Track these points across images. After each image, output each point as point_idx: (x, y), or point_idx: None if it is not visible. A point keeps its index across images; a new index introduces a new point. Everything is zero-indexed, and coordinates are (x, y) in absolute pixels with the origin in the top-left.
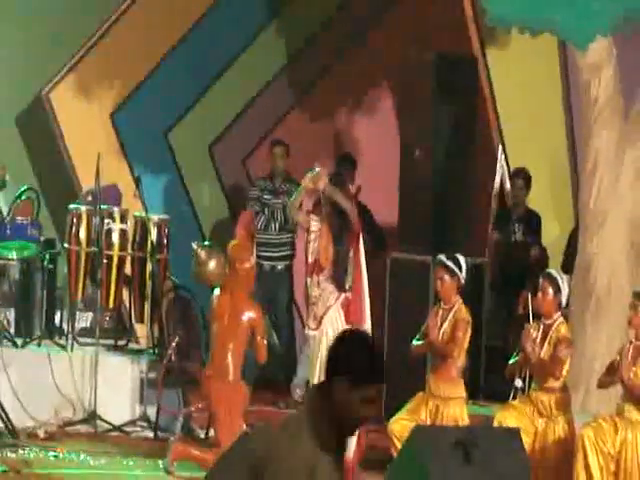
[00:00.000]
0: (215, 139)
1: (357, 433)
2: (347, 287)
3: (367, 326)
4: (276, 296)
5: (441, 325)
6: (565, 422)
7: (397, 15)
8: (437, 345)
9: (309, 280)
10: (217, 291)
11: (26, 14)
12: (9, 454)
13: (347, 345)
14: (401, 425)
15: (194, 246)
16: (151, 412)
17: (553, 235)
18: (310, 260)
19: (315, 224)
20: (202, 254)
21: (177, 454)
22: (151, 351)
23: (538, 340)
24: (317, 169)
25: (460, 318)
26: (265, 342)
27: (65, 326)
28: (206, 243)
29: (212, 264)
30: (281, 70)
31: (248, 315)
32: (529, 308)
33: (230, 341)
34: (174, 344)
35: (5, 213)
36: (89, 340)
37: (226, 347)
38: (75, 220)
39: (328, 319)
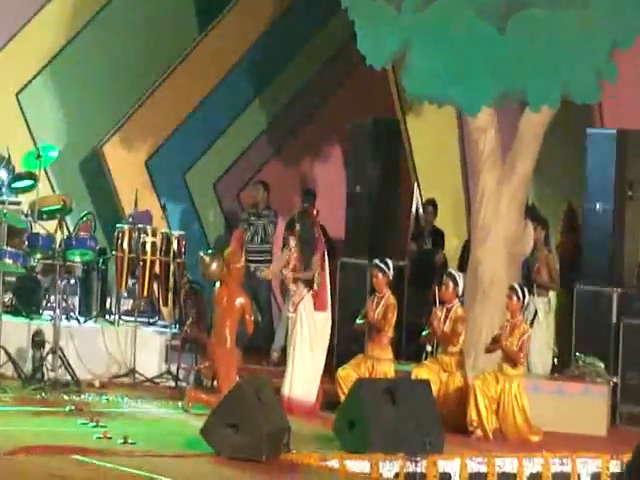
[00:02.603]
0: (218, 178)
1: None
2: (315, 284)
3: (328, 310)
4: (259, 288)
5: (376, 308)
6: (461, 376)
7: (345, 91)
8: (373, 322)
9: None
10: (218, 284)
11: (82, 86)
12: (74, 398)
13: None
14: (346, 373)
15: (200, 254)
16: (173, 369)
17: (452, 245)
18: (290, 266)
19: (292, 242)
20: (206, 259)
21: (191, 398)
22: (173, 326)
23: (442, 319)
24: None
25: (389, 303)
26: (252, 320)
27: (113, 308)
28: (209, 251)
29: (214, 265)
30: (264, 131)
31: (239, 301)
32: (436, 297)
33: (227, 319)
34: (189, 322)
35: (72, 230)
36: (130, 318)
37: (224, 323)
38: (120, 235)
39: (302, 305)
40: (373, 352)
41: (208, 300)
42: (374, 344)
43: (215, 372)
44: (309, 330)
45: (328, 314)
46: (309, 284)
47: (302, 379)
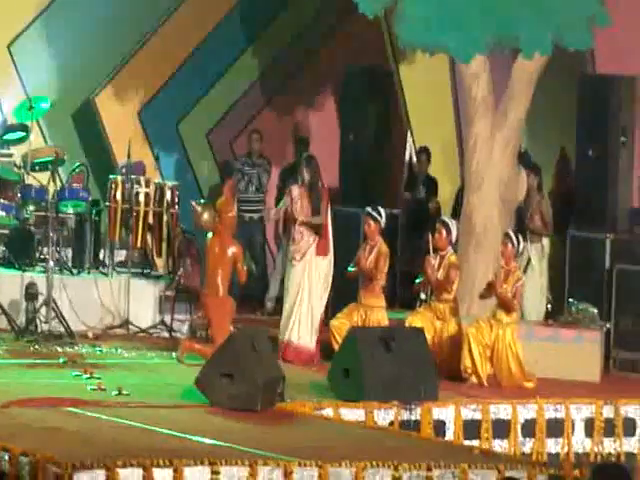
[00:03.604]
0: (211, 128)
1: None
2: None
3: (331, 255)
4: (253, 237)
5: (368, 256)
6: (455, 323)
7: (338, 40)
8: (365, 270)
9: (294, 228)
10: (210, 234)
11: (75, 37)
12: (68, 349)
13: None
14: (339, 322)
15: (192, 203)
16: (167, 319)
17: (446, 193)
18: (296, 213)
19: (295, 190)
20: (198, 208)
21: (185, 348)
22: (167, 276)
23: (436, 266)
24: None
25: (381, 251)
26: (245, 269)
27: (107, 260)
28: (201, 201)
29: (206, 215)
30: (257, 79)
31: (231, 250)
32: (429, 244)
33: (219, 268)
34: (181, 272)
35: (65, 181)
36: (123, 269)
37: (216, 272)
38: (113, 186)
39: (309, 254)
40: (366, 300)
41: (201, 250)
42: (366, 292)
43: (208, 322)
44: (315, 277)
45: (331, 259)
46: (315, 231)
47: (305, 326)
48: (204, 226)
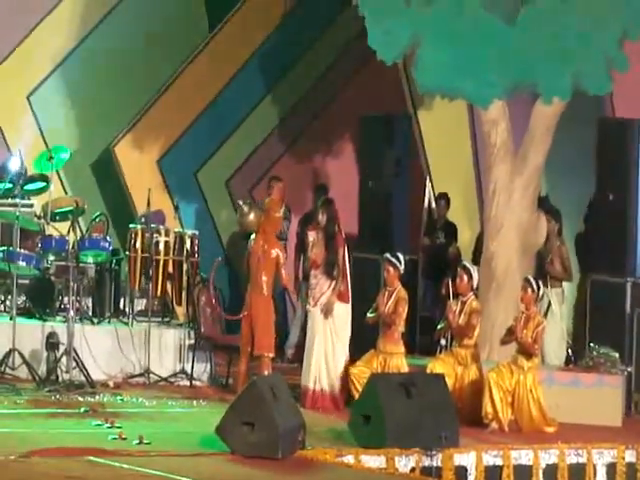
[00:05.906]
0: (230, 176)
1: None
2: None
3: (349, 304)
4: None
5: (387, 302)
6: (476, 369)
7: (356, 87)
8: (384, 316)
9: (311, 273)
10: (253, 235)
11: (93, 87)
12: (89, 399)
13: None
14: (358, 370)
15: (239, 202)
16: (187, 368)
17: (466, 238)
18: (310, 260)
19: (312, 236)
20: (244, 208)
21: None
22: (187, 325)
23: (457, 312)
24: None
25: (400, 297)
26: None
27: (127, 309)
28: (248, 201)
29: (252, 215)
30: (275, 127)
31: (275, 250)
32: (450, 290)
33: (263, 267)
34: (202, 320)
35: (85, 231)
36: (144, 318)
37: (260, 272)
38: (133, 235)
39: (323, 299)
40: (385, 347)
41: (222, 296)
42: (386, 339)
43: (254, 323)
44: (331, 323)
45: (349, 305)
46: (330, 277)
47: (327, 372)
48: (248, 226)
